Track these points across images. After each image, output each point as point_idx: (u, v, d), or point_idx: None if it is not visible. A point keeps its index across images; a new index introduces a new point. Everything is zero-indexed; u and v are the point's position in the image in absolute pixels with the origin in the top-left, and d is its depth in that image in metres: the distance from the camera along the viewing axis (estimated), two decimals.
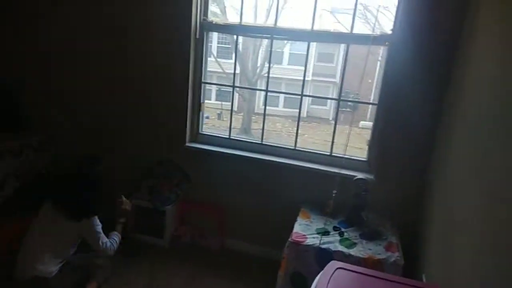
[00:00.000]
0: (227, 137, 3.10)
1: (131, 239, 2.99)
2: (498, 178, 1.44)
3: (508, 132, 1.43)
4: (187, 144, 3.06)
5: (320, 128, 11.33)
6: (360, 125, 10.15)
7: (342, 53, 13.04)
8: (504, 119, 1.48)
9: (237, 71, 10.75)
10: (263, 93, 12.71)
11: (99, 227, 2.31)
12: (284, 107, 12.23)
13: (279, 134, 10.45)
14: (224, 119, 10.75)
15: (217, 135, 3.15)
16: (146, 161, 3.17)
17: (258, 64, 10.36)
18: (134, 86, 3.07)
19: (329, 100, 13.53)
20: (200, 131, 3.16)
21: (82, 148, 3.25)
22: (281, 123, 11.22)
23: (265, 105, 3.06)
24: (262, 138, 3.03)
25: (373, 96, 9.42)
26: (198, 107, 3.07)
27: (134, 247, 2.96)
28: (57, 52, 3.16)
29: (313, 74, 11.97)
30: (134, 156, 3.20)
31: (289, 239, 2.30)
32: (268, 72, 2.98)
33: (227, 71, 9.21)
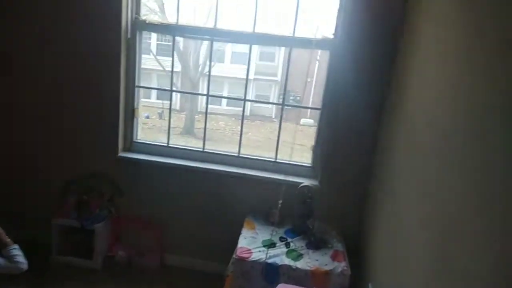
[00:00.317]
0: (165, 145, 2.84)
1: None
2: (440, 183, 1.40)
3: (448, 136, 1.40)
4: (120, 154, 2.75)
5: (264, 126, 11.34)
6: (301, 122, 10.32)
7: (283, 52, 13.19)
8: (443, 122, 1.45)
9: (178, 69, 10.32)
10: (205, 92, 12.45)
11: None
12: (227, 105, 12.03)
13: (223, 133, 10.26)
14: (166, 118, 10.24)
15: (154, 143, 2.88)
16: (72, 175, 2.80)
17: (200, 63, 10.02)
18: (61, 92, 2.68)
19: (270, 100, 13.61)
20: (135, 139, 2.86)
21: None
22: (225, 122, 11.03)
23: (206, 110, 2.84)
24: (203, 146, 2.81)
25: (312, 96, 9.63)
26: (131, 113, 2.77)
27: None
28: None
29: (256, 73, 11.93)
30: (59, 169, 2.82)
31: (234, 256, 2.14)
32: (209, 75, 2.78)
33: (167, 69, 8.78)
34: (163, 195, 2.78)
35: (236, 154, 2.77)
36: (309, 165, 2.70)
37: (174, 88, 2.89)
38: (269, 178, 2.59)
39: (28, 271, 2.07)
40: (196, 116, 10.23)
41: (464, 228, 1.21)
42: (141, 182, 2.78)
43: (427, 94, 1.73)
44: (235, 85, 13.16)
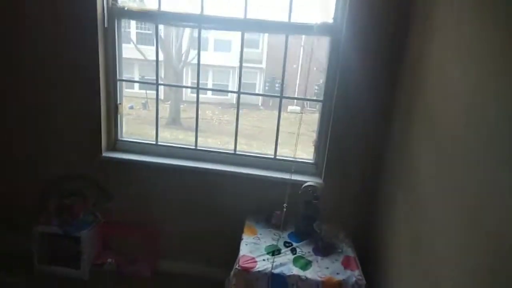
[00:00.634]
0: (154, 143, 2.57)
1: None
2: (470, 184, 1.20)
3: (475, 128, 1.19)
4: (104, 154, 2.47)
5: (250, 114, 11.05)
6: (288, 110, 10.10)
7: (267, 39, 12.83)
8: (469, 114, 1.25)
9: (161, 58, 9.86)
10: (190, 81, 12.06)
11: None
12: (212, 94, 11.68)
13: (210, 122, 9.94)
14: (150, 108, 9.86)
15: (141, 141, 2.60)
16: (52, 178, 2.50)
17: (183, 51, 9.60)
18: (39, 91, 2.36)
19: (256, 88, 13.27)
20: (119, 137, 2.57)
21: None
22: (211, 111, 10.70)
23: (197, 105, 2.54)
24: (196, 143, 2.56)
25: (298, 84, 9.38)
26: (115, 109, 2.48)
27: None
28: None
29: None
30: (40, 171, 2.52)
31: (236, 266, 1.92)
32: (198, 66, 2.49)
33: (149, 58, 8.34)
34: (154, 197, 2.52)
35: (232, 152, 2.53)
36: (311, 161, 2.48)
37: (159, 80, 2.58)
38: (269, 177, 2.36)
39: (10, 284, 1.85)
40: (182, 106, 9.86)
41: None
42: (129, 184, 2.51)
43: (448, 82, 1.51)
44: (219, 73, 12.78)
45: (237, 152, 2.52)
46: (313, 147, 2.46)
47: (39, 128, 2.45)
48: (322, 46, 2.41)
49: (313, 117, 3.07)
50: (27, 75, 2.35)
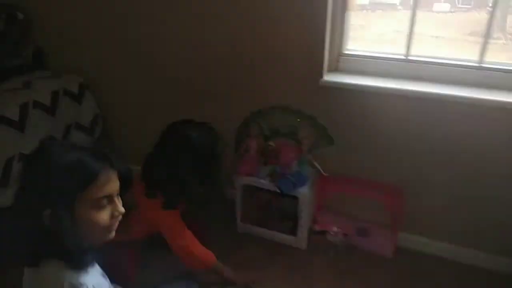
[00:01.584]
0: (403, 57, 1.57)
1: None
2: None
3: None
4: (324, 78, 1.60)
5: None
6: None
7: None
8: None
9: None
10: None
11: None
12: None
13: None
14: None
15: (378, 54, 1.63)
16: (252, 111, 1.80)
17: None
18: None
19: None
20: (343, 50, 1.65)
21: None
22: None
23: None
24: (481, 57, 1.45)
25: None
26: (342, 7, 1.53)
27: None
28: None
29: None
30: (239, 104, 1.84)
31: None
32: None
33: None
34: (399, 146, 1.60)
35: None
36: None
37: None
38: None
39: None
40: None
41: None
42: (359, 122, 1.63)
43: None
44: None
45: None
46: None
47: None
48: None
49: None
50: None
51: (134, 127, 2.14)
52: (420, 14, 1.44)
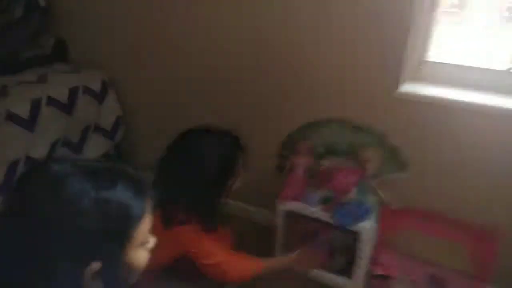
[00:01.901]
0: (506, 67, 1.25)
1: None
2: None
3: None
4: (401, 89, 1.29)
5: None
6: None
7: None
8: None
9: None
10: None
11: None
12: None
13: None
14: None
15: (473, 64, 1.32)
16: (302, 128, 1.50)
17: None
18: None
19: None
20: (424, 57, 1.34)
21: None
22: None
23: None
24: None
25: None
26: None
27: None
28: None
29: None
30: (289, 117, 1.54)
31: None
32: None
33: None
34: (493, 175, 1.27)
35: None
36: None
37: None
38: None
39: None
40: None
41: None
42: (443, 145, 1.31)
43: None
44: None
45: None
46: None
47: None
48: None
49: None
50: None
51: (159, 133, 1.85)
52: None
